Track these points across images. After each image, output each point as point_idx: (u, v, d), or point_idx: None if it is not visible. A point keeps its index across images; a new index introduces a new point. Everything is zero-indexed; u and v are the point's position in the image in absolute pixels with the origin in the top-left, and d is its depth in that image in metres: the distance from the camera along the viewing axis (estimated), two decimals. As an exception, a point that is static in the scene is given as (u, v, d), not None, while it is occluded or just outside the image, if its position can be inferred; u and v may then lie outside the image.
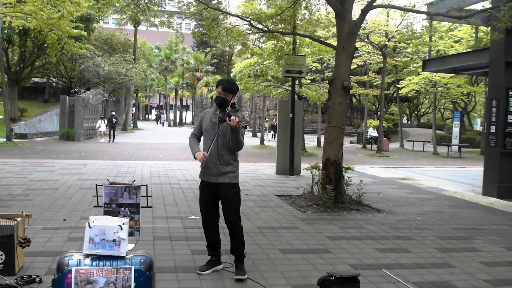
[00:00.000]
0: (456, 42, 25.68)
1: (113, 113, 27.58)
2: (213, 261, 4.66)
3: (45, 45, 24.64)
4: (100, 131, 26.69)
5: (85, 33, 25.18)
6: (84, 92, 29.51)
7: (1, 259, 4.15)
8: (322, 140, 21.82)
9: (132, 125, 46.24)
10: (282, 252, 5.40)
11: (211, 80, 47.60)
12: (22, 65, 27.71)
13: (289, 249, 5.54)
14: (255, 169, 13.80)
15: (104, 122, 26.53)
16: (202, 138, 4.68)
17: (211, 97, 41.41)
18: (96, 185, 4.43)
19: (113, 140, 25.96)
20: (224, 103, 4.44)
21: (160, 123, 62.90)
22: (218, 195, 4.54)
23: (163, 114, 64.86)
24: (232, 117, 4.19)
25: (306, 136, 24.13)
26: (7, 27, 21.02)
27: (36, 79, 38.29)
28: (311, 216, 7.52)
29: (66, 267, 3.53)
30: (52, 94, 36.07)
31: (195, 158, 4.45)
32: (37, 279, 4.09)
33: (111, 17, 56.34)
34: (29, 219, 4.53)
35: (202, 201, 4.66)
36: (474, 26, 15.60)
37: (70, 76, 35.14)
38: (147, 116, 73.31)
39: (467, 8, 12.04)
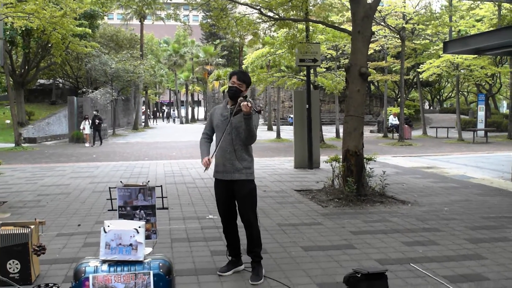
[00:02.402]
0: (477, 21, 24.99)
1: (96, 112, 23.83)
2: (233, 262, 4.55)
3: (49, 45, 24.42)
4: (85, 134, 23.12)
5: (90, 31, 24.87)
6: (92, 92, 29.00)
7: (17, 268, 4.09)
8: (341, 130, 21.55)
9: (143, 123, 46.19)
10: (305, 250, 5.25)
11: (222, 73, 47.11)
12: (27, 67, 27.39)
13: (311, 246, 5.39)
14: (273, 164, 13.63)
15: (89, 123, 22.93)
16: (214, 136, 4.55)
17: (223, 91, 41.11)
18: (110, 187, 4.33)
19: (101, 143, 23.09)
20: (238, 93, 4.30)
21: (172, 120, 62.74)
22: (234, 193, 4.41)
23: (174, 110, 64.65)
24: (244, 103, 4.05)
25: (324, 127, 23.83)
26: (10, 28, 20.93)
27: (42, 81, 37.94)
28: (333, 210, 7.34)
29: (83, 275, 3.46)
30: (59, 95, 35.92)
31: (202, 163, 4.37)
32: (54, 287, 4.02)
33: (116, 12, 56.43)
34: (43, 226, 4.46)
35: (218, 201, 4.53)
36: (497, 3, 15.10)
37: (77, 76, 34.86)
38: (158, 114, 72.82)
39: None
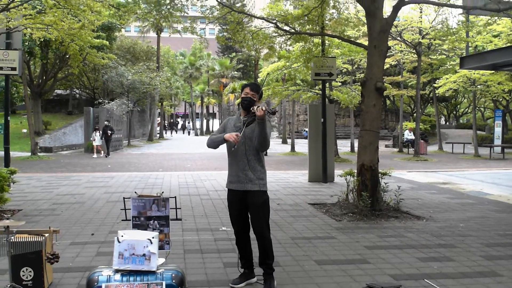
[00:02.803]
0: (495, 36, 24.77)
1: (107, 123, 23.69)
2: (246, 274, 4.52)
3: (67, 56, 24.69)
4: (95, 146, 22.73)
5: (107, 42, 25.19)
6: (108, 102, 29.21)
7: (30, 275, 4.12)
8: (355, 145, 21.46)
9: (158, 135, 46.43)
10: (318, 264, 5.20)
11: (238, 86, 47.31)
12: (44, 78, 27.76)
13: (325, 260, 5.34)
14: (287, 177, 13.59)
15: (99, 134, 22.66)
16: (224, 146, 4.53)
17: (238, 104, 41.30)
18: (124, 198, 4.36)
19: (108, 153, 22.75)
20: (251, 103, 4.33)
21: (186, 132, 62.98)
22: (247, 204, 4.40)
23: (189, 122, 64.93)
24: (258, 107, 4.08)
25: (338, 141, 23.71)
26: (28, 39, 21.24)
27: (59, 91, 38.53)
28: (347, 225, 7.28)
29: (96, 283, 3.48)
30: (76, 106, 36.34)
31: (226, 140, 4.23)
32: (67, 296, 4.04)
33: (133, 25, 57.01)
34: (57, 235, 4.50)
35: (231, 212, 4.52)
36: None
37: (94, 87, 35.29)
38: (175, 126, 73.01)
39: (506, 0, 11.51)
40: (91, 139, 23.28)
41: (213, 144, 4.44)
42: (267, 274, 4.38)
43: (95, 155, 22.12)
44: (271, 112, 4.13)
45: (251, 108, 4.20)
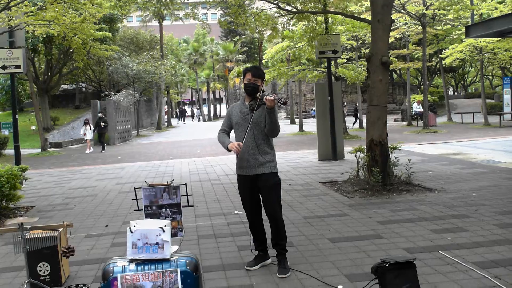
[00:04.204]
0: (500, 3, 24.34)
1: (101, 115, 22.29)
2: (260, 256, 4.55)
3: (71, 50, 24.66)
4: (86, 140, 21.10)
5: (110, 34, 25.08)
6: (115, 94, 29.12)
7: (47, 270, 4.18)
8: (364, 121, 21.24)
9: (166, 123, 46.51)
10: (332, 241, 5.22)
11: (243, 69, 47.05)
12: (49, 74, 27.70)
13: (338, 238, 5.35)
14: (297, 157, 13.57)
15: (91, 128, 21.06)
16: (233, 133, 4.53)
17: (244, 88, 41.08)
18: (135, 188, 4.37)
19: (103, 148, 20.95)
20: (255, 89, 4.31)
21: (196, 119, 62.91)
22: (258, 187, 4.40)
23: (198, 109, 64.79)
24: (268, 97, 4.04)
25: (347, 118, 23.61)
26: (31, 36, 21.22)
27: (65, 86, 38.51)
28: (359, 201, 7.27)
29: (111, 274, 3.50)
30: (83, 99, 36.36)
31: (229, 150, 4.31)
32: (84, 288, 4.09)
33: (135, 15, 56.85)
34: (71, 228, 4.54)
35: (243, 196, 4.53)
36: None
37: (99, 79, 35.21)
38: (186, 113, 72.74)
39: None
40: (81, 133, 21.73)
41: (221, 144, 4.47)
42: (281, 254, 4.40)
43: (88, 151, 20.40)
44: (282, 103, 4.10)
45: (257, 95, 4.18)
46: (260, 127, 4.31)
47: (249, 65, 50.27)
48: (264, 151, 4.35)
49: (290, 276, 4.22)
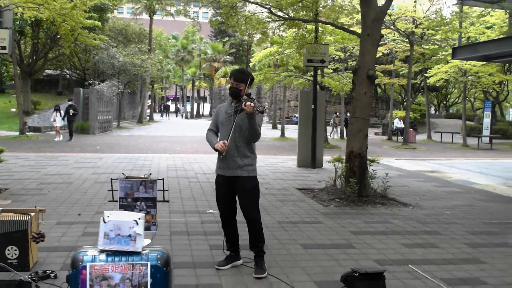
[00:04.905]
0: (488, 28, 24.83)
1: (71, 102, 20.77)
2: (232, 257, 4.55)
3: (58, 36, 24.31)
4: (55, 127, 20.09)
5: (99, 24, 24.80)
6: (99, 84, 28.71)
7: (15, 254, 4.11)
8: (345, 132, 21.38)
9: (148, 117, 46.17)
10: (304, 247, 5.24)
11: (230, 70, 47.13)
12: (35, 57, 27.25)
13: (311, 244, 5.38)
14: (276, 162, 13.61)
15: (61, 115, 20.03)
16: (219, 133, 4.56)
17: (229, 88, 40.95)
18: (111, 179, 4.34)
19: (71, 137, 19.83)
20: (237, 93, 4.34)
21: (180, 116, 62.59)
22: (235, 189, 4.40)
23: (183, 106, 64.49)
24: (247, 103, 4.06)
25: (328, 128, 23.77)
26: (19, 18, 20.81)
27: (49, 71, 37.90)
28: (334, 210, 7.33)
29: (80, 263, 3.46)
30: (66, 86, 35.85)
31: (215, 150, 4.33)
32: (51, 275, 4.03)
33: (126, 6, 56.33)
34: (43, 214, 4.48)
35: (219, 196, 4.53)
36: (508, 10, 14.99)
37: (84, 68, 34.81)
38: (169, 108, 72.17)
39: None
40: (52, 120, 20.73)
41: (209, 144, 4.49)
42: (259, 256, 4.40)
43: (56, 138, 19.52)
44: (259, 111, 4.13)
45: (242, 98, 4.20)
46: (241, 130, 4.31)
47: (236, 66, 50.16)
48: (244, 154, 4.35)
49: (259, 280, 4.21)
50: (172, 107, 69.91)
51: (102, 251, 3.53)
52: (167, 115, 60.23)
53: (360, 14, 9.13)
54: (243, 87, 4.33)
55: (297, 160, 12.92)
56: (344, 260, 4.84)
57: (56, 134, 19.89)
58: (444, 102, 50.37)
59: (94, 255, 3.48)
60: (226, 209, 4.50)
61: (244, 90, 4.31)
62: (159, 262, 3.49)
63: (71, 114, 19.97)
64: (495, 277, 4.48)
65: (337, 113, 30.66)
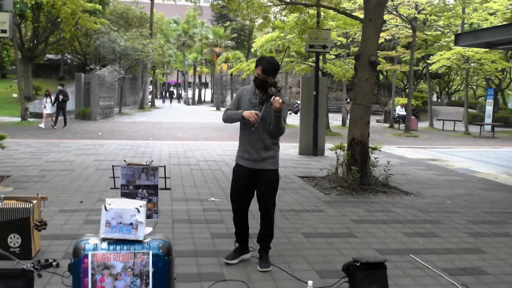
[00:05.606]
0: (491, 14, 24.62)
1: (62, 87, 19.68)
2: (240, 250, 4.42)
3: (59, 20, 24.16)
4: (45, 114, 19.09)
5: (100, 7, 24.61)
6: (100, 69, 28.58)
7: (18, 242, 4.11)
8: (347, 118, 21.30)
9: (150, 103, 46.03)
10: (305, 236, 5.25)
11: (231, 55, 46.60)
12: (35, 41, 27.12)
13: (312, 233, 5.38)
14: (277, 149, 13.53)
15: (50, 101, 19.10)
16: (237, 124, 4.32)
17: (231, 74, 40.57)
18: (113, 166, 4.31)
19: (65, 124, 19.18)
20: (263, 85, 4.10)
21: (182, 102, 62.39)
22: (254, 181, 4.26)
23: (186, 92, 64.26)
24: (276, 98, 3.87)
25: (330, 115, 23.69)
26: (20, 2, 20.67)
27: (50, 56, 37.85)
28: (335, 198, 7.33)
29: (82, 252, 3.46)
30: (67, 71, 35.75)
31: (244, 118, 4.03)
32: (54, 263, 4.03)
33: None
34: (45, 201, 4.47)
35: (235, 187, 4.34)
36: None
37: (85, 52, 34.67)
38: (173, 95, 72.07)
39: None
40: (42, 106, 19.73)
41: (230, 121, 4.23)
42: (264, 250, 4.34)
43: (42, 125, 18.45)
44: (292, 110, 3.88)
45: (269, 90, 3.99)
46: (266, 123, 4.13)
47: (238, 52, 49.19)
48: (268, 146, 4.22)
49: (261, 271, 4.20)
50: (175, 93, 69.62)
51: (103, 240, 3.52)
52: (171, 100, 60.02)
53: (362, -1, 9.03)
54: (271, 79, 4.09)
55: (298, 147, 12.90)
56: (345, 249, 4.84)
57: (44, 120, 18.89)
58: (446, 90, 50.24)
59: (96, 244, 3.47)
60: (241, 201, 4.33)
61: (273, 80, 4.09)
62: (160, 251, 3.49)
63: (60, 100, 19.06)
64: (496, 267, 4.49)
65: (348, 100, 30.49)
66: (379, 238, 5.28)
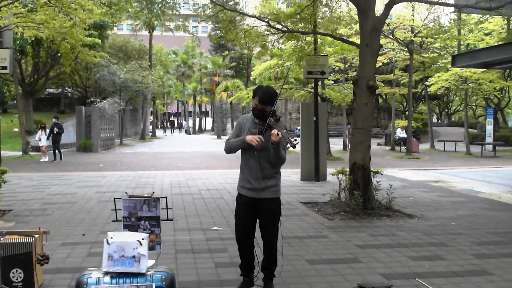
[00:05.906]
0: (486, 34, 24.93)
1: (56, 120, 19.62)
2: (246, 282, 4.35)
3: (59, 54, 24.43)
4: (41, 147, 19.02)
5: (99, 41, 24.91)
6: (100, 101, 28.91)
7: (20, 277, 4.08)
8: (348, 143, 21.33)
9: (151, 133, 46.19)
10: (310, 263, 5.20)
11: (230, 84, 47.11)
12: (36, 76, 27.39)
13: (316, 260, 5.34)
14: (279, 176, 13.51)
15: (45, 134, 18.98)
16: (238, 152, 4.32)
17: (231, 102, 40.81)
18: (115, 198, 4.32)
19: (61, 157, 18.90)
20: (262, 114, 4.10)
21: (184, 131, 62.58)
22: (257, 210, 4.25)
23: (186, 121, 64.61)
24: (274, 131, 3.85)
25: (331, 139, 23.73)
26: (19, 38, 20.94)
27: (51, 90, 38.15)
28: (339, 224, 7.29)
29: (85, 286, 3.44)
30: (68, 104, 36.00)
31: (247, 143, 4.02)
32: (56, 298, 4.00)
33: (125, 23, 56.61)
34: (47, 235, 4.45)
35: (238, 216, 4.33)
36: (506, 17, 15.05)
37: (86, 85, 34.97)
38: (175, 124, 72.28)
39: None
40: (36, 138, 19.61)
41: (232, 150, 4.24)
42: (269, 279, 4.30)
43: (43, 159, 18.54)
44: (291, 145, 3.83)
45: (268, 121, 3.96)
46: (267, 153, 4.12)
47: (237, 80, 49.50)
48: (269, 175, 4.21)
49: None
50: (176, 123, 69.95)
51: (106, 273, 3.51)
52: (172, 130, 60.27)
53: (358, 24, 9.16)
54: (269, 109, 4.07)
55: (300, 173, 12.89)
56: (350, 275, 4.80)
57: (42, 154, 18.85)
58: (446, 110, 50.42)
59: (98, 278, 3.46)
60: (245, 231, 4.30)
61: (271, 109, 4.07)
62: (164, 283, 3.47)
63: (55, 133, 18.85)
64: (503, 289, 4.44)
65: (350, 126, 30.65)
66: (384, 263, 5.23)
